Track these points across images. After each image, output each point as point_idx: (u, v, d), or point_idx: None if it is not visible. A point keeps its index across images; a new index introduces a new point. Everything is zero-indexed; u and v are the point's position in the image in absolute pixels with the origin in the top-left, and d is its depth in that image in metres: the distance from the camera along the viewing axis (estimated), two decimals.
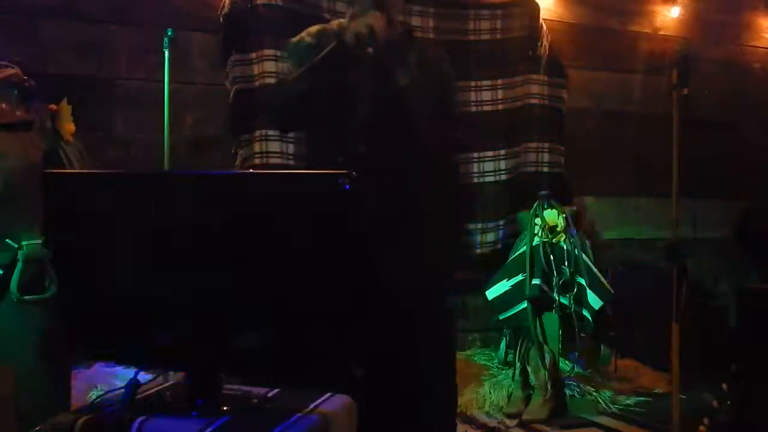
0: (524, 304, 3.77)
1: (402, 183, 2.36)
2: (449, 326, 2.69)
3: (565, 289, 3.74)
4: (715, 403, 3.15)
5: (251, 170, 3.43)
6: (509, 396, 3.85)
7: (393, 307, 2.30)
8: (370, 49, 2.28)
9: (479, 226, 4.21)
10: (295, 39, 2.46)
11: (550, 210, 3.89)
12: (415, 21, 4.09)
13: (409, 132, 2.37)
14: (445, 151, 2.55)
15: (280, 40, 3.68)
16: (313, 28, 2.46)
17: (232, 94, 3.68)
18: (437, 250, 2.48)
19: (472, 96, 4.22)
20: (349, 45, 2.24)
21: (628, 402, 3.94)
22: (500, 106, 4.29)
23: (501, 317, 3.91)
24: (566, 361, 3.95)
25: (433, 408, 2.50)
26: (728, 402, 3.14)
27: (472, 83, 4.22)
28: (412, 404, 2.43)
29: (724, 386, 3.16)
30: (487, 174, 4.25)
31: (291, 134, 3.66)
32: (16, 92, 2.59)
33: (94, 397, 2.85)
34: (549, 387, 3.78)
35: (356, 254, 1.46)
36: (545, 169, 4.43)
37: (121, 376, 3.08)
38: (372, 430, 1.79)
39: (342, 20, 2.47)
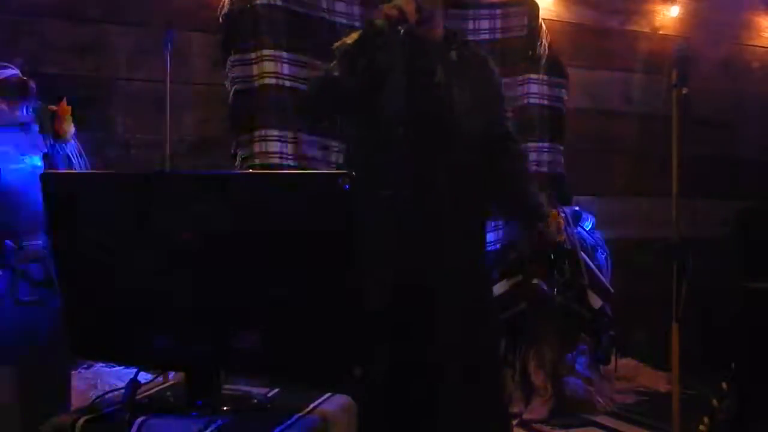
0: (524, 304, 3.77)
1: (439, 177, 2.37)
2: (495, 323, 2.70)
3: (565, 288, 3.74)
4: (715, 402, 3.15)
5: (251, 170, 3.43)
6: (509, 396, 3.85)
7: (438, 303, 2.33)
8: (400, 29, 2.31)
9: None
10: (337, 43, 2.43)
11: (549, 210, 3.89)
12: None
13: (451, 121, 2.38)
14: (498, 145, 2.53)
15: (279, 40, 3.68)
16: (355, 33, 2.44)
17: (231, 94, 3.68)
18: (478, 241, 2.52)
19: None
20: (379, 27, 2.26)
21: (628, 401, 3.95)
22: None
23: (501, 317, 3.91)
24: (566, 361, 3.95)
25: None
26: (728, 401, 3.14)
27: None
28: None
29: (724, 385, 3.16)
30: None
31: (291, 134, 3.67)
32: (16, 93, 2.59)
33: (94, 397, 2.85)
34: (549, 387, 3.78)
35: (356, 254, 1.46)
36: (545, 169, 4.42)
37: (121, 376, 3.09)
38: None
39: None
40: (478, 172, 2.43)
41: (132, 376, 1.55)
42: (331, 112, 2.65)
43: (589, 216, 4.17)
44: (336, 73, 2.32)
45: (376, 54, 2.30)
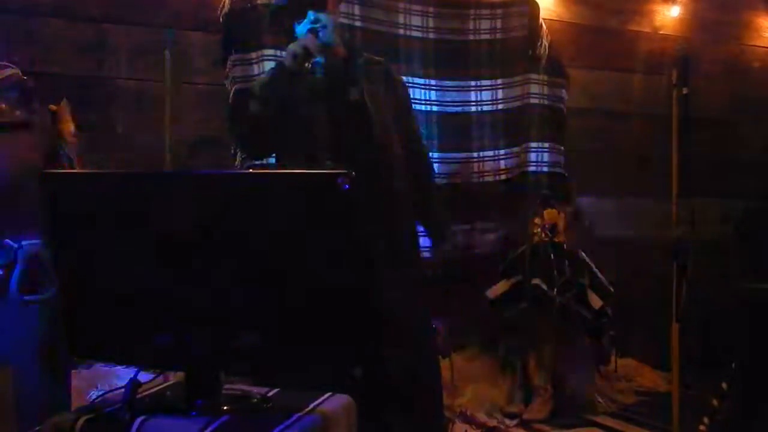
0: (524, 304, 3.77)
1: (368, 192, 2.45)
2: (425, 325, 2.77)
3: (565, 288, 3.74)
4: (715, 402, 3.15)
5: (251, 170, 3.43)
6: (509, 396, 3.85)
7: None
8: (307, 65, 2.48)
9: (479, 226, 4.21)
10: (254, 83, 2.79)
11: (550, 210, 3.89)
12: (415, 21, 4.09)
13: (366, 133, 2.56)
14: (409, 160, 2.71)
15: (280, 40, 3.68)
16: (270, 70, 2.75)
17: (231, 94, 3.68)
18: (405, 244, 2.65)
19: (472, 96, 4.22)
20: (288, 65, 2.49)
21: (629, 401, 3.95)
22: (500, 106, 4.29)
23: (501, 317, 3.91)
24: (566, 361, 3.95)
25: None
26: (728, 401, 3.14)
27: (472, 83, 4.22)
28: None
29: (724, 385, 3.16)
30: (486, 174, 4.25)
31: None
32: (15, 92, 2.59)
33: (94, 397, 2.85)
34: (549, 386, 3.78)
35: (356, 254, 1.46)
36: (545, 169, 4.43)
37: (121, 375, 3.09)
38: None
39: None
40: (403, 186, 2.64)
41: (132, 376, 1.55)
42: (266, 151, 2.86)
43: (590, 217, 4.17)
44: (254, 113, 2.52)
45: (289, 91, 2.50)
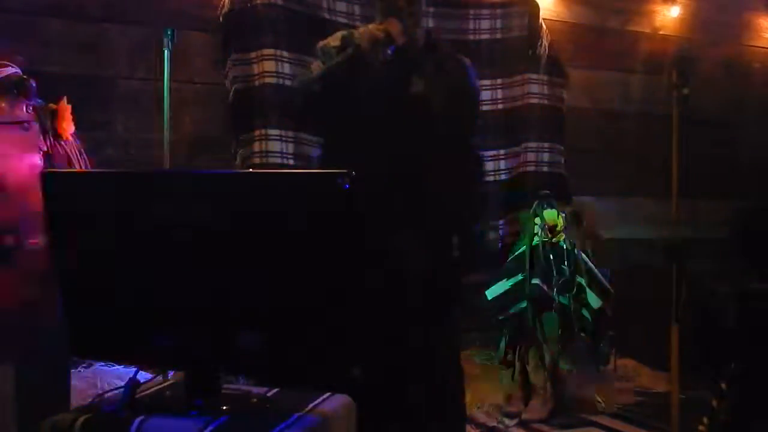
0: (524, 304, 3.77)
1: (417, 185, 2.43)
2: (455, 327, 2.73)
3: (564, 288, 3.74)
4: (714, 402, 3.15)
5: (251, 170, 3.43)
6: (509, 396, 3.85)
7: (406, 304, 2.37)
8: (388, 52, 2.33)
9: (479, 225, 4.21)
10: (322, 42, 2.51)
11: (549, 210, 3.89)
12: None
13: (423, 136, 2.43)
14: (462, 156, 2.61)
15: (279, 40, 3.68)
16: (339, 33, 2.52)
17: (231, 93, 3.68)
18: (452, 253, 2.55)
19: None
20: (365, 50, 2.32)
21: (628, 401, 3.95)
22: (500, 106, 4.29)
23: (501, 317, 3.91)
24: (566, 361, 3.95)
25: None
26: (728, 401, 3.14)
27: None
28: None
29: (724, 386, 3.16)
30: (486, 174, 4.25)
31: (291, 133, 3.67)
32: (15, 91, 2.59)
33: (93, 396, 2.85)
34: (548, 386, 3.78)
35: (355, 254, 1.46)
36: (545, 169, 4.42)
37: (120, 375, 3.09)
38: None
39: (369, 25, 2.51)
40: (451, 181, 2.51)
41: (131, 376, 1.55)
42: (317, 125, 2.79)
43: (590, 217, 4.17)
44: (315, 87, 2.40)
45: (359, 75, 2.36)
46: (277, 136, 3.65)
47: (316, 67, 2.47)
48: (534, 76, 4.37)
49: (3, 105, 2.55)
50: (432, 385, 2.50)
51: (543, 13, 4.40)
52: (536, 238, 3.83)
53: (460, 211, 2.62)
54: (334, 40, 2.47)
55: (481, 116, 2.90)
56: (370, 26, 2.38)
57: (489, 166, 4.26)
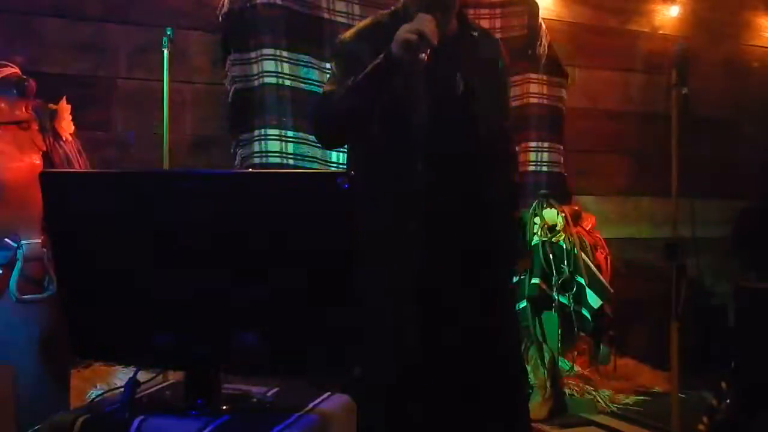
0: (523, 303, 3.77)
1: (463, 185, 2.26)
2: (515, 323, 2.62)
3: (564, 288, 3.74)
4: (714, 401, 3.15)
5: (250, 170, 3.43)
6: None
7: (460, 300, 2.25)
8: (423, 56, 2.01)
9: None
10: (340, 38, 2.33)
11: (549, 209, 3.89)
12: None
13: (470, 139, 2.24)
14: (501, 144, 2.41)
15: (279, 39, 3.68)
16: (364, 24, 2.30)
17: (231, 93, 3.68)
18: (500, 249, 2.38)
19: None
20: (397, 56, 2.02)
21: (628, 401, 3.95)
22: None
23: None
24: (565, 360, 3.96)
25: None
26: (727, 401, 3.14)
27: None
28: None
29: (724, 385, 3.16)
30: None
31: (290, 133, 3.67)
32: (15, 91, 2.59)
33: (93, 396, 2.85)
34: (548, 386, 3.78)
35: (355, 254, 1.46)
36: (544, 169, 4.42)
37: (120, 375, 3.09)
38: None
39: (396, 8, 2.27)
40: (490, 186, 2.31)
41: (131, 376, 1.55)
42: (341, 142, 2.50)
43: (589, 216, 4.17)
44: (346, 104, 2.12)
45: (394, 84, 2.08)
46: (276, 135, 3.65)
47: (338, 74, 2.23)
48: (533, 75, 4.37)
49: (3, 105, 2.55)
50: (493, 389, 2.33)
51: (542, 13, 4.40)
52: (536, 238, 3.84)
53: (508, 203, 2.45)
54: (349, 36, 2.27)
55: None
56: (403, 27, 2.04)
57: None
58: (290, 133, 3.67)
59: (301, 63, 3.73)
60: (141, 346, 1.56)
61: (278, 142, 3.67)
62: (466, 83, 2.21)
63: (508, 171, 2.47)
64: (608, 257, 4.06)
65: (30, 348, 2.43)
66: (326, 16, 3.81)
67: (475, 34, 2.35)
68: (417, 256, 2.19)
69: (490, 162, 2.30)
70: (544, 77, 4.40)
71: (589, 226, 4.10)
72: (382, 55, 2.05)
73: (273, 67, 3.64)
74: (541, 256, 3.76)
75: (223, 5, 3.67)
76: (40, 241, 2.45)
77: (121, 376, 3.06)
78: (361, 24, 2.37)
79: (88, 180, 1.70)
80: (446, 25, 2.15)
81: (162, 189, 1.56)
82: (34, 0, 3.44)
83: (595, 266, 3.88)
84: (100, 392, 2.56)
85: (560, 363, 3.88)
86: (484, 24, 4.25)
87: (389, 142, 2.18)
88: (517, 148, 2.75)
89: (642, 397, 4.01)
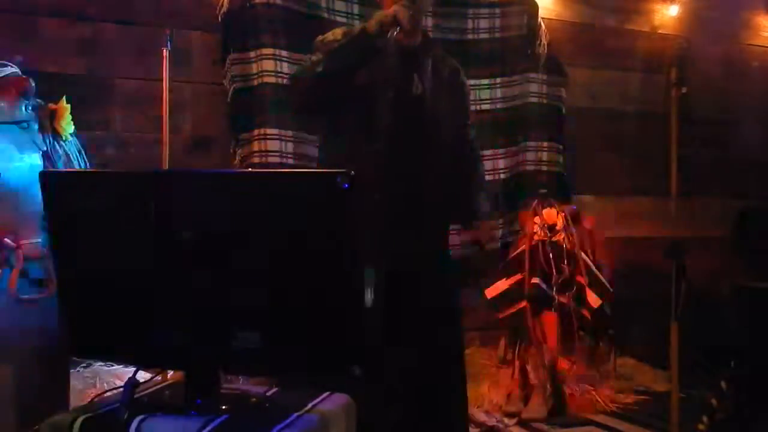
0: (523, 303, 3.77)
1: (418, 178, 2.49)
2: (457, 324, 2.73)
3: (564, 288, 3.74)
4: (714, 401, 3.16)
5: (250, 169, 3.43)
6: (508, 395, 3.85)
7: (404, 301, 2.42)
8: (393, 33, 2.35)
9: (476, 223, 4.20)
10: (321, 37, 2.55)
11: (549, 209, 3.89)
12: None
13: (425, 129, 2.49)
14: (460, 150, 2.69)
15: (278, 39, 3.68)
16: (339, 30, 2.58)
17: (230, 93, 3.68)
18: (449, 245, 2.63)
19: (471, 95, 4.21)
20: (371, 31, 2.37)
21: (627, 401, 3.95)
22: (499, 105, 4.29)
23: (500, 316, 3.91)
24: (565, 360, 3.95)
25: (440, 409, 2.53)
26: (727, 400, 3.15)
27: (471, 82, 4.19)
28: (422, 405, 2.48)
29: (723, 385, 3.16)
30: (485, 173, 4.24)
31: (290, 133, 3.67)
32: (15, 91, 2.59)
33: (92, 396, 2.85)
34: (548, 386, 3.78)
35: (355, 254, 1.46)
36: (544, 168, 4.42)
37: (120, 375, 3.09)
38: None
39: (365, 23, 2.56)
40: (445, 178, 2.58)
41: (131, 375, 1.54)
42: (321, 109, 2.66)
43: (589, 216, 4.17)
44: (321, 71, 2.39)
45: (363, 59, 2.39)
46: (276, 135, 3.65)
47: (316, 57, 2.49)
48: (533, 75, 4.37)
49: (3, 105, 2.55)
50: (432, 378, 2.53)
51: (542, 12, 4.40)
52: (535, 237, 3.84)
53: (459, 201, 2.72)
54: (332, 35, 2.51)
55: (473, 116, 2.94)
56: (380, 12, 2.44)
57: (488, 165, 4.26)
58: (290, 133, 3.67)
59: (301, 63, 3.73)
60: (141, 346, 1.56)
61: (278, 141, 3.67)
62: (423, 85, 2.50)
63: (462, 180, 2.72)
64: (608, 257, 4.06)
65: (30, 348, 2.43)
66: (326, 15, 3.81)
67: (438, 52, 2.66)
68: (382, 226, 2.36)
69: (438, 166, 2.54)
70: (544, 77, 4.40)
71: (589, 226, 4.09)
72: (357, 30, 2.41)
73: (272, 66, 3.64)
74: (541, 255, 3.75)
75: (223, 5, 3.67)
76: (39, 240, 2.45)
77: (120, 375, 3.07)
78: (336, 30, 2.59)
79: (88, 180, 1.70)
80: (415, 22, 2.43)
81: (161, 188, 1.56)
82: (34, 0, 3.44)
83: (595, 266, 3.88)
84: (99, 392, 2.55)
85: (560, 363, 3.88)
86: (484, 24, 4.26)
87: (355, 122, 2.46)
88: (480, 153, 3.00)
89: (642, 397, 4.01)
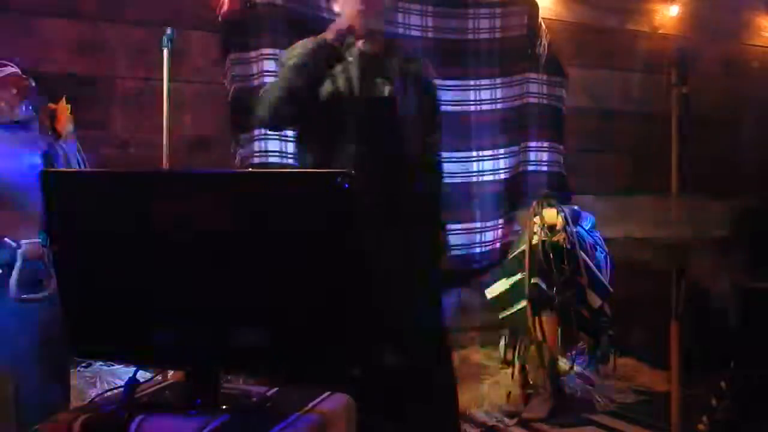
0: (523, 303, 3.77)
1: (387, 181, 2.51)
2: (438, 324, 2.77)
3: (564, 288, 3.73)
4: (714, 401, 3.15)
5: (250, 169, 3.43)
6: (508, 395, 3.85)
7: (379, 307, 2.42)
8: (348, 41, 2.49)
9: (478, 225, 4.21)
10: (286, 51, 2.65)
11: (549, 209, 3.89)
12: (414, 20, 4.09)
13: (391, 132, 2.56)
14: (426, 152, 2.74)
15: (279, 39, 3.68)
16: (302, 42, 2.64)
17: (231, 92, 3.68)
18: (421, 248, 2.63)
19: (471, 95, 4.22)
20: (330, 42, 2.49)
21: (628, 400, 3.95)
22: (499, 105, 4.29)
23: (500, 316, 3.91)
24: (565, 360, 3.95)
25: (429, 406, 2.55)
26: (727, 400, 3.14)
27: (471, 82, 4.22)
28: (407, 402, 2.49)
29: (723, 385, 3.16)
30: (486, 173, 4.25)
31: (290, 133, 3.67)
32: (15, 91, 2.59)
33: (93, 395, 2.85)
34: (548, 386, 3.78)
35: (355, 253, 1.46)
36: (544, 168, 4.43)
37: (120, 374, 3.09)
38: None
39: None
40: (410, 179, 2.63)
41: (131, 375, 1.55)
42: (290, 122, 2.78)
43: (589, 215, 4.17)
44: (289, 84, 2.48)
45: (326, 68, 2.50)
46: (276, 135, 3.65)
47: (281, 72, 2.60)
48: (533, 75, 4.38)
49: (3, 105, 2.55)
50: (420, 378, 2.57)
51: (542, 12, 4.40)
52: (535, 237, 3.83)
53: (428, 209, 2.74)
54: (295, 49, 2.59)
55: (442, 115, 2.98)
56: (335, 22, 2.56)
57: (488, 165, 4.27)
58: (290, 133, 3.67)
59: None
60: (141, 345, 1.56)
61: (278, 141, 3.67)
62: (390, 87, 2.57)
63: (429, 181, 2.75)
64: (608, 257, 4.06)
65: (30, 348, 2.42)
66: (326, 15, 3.81)
67: (402, 55, 2.71)
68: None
69: (406, 167, 2.59)
70: (544, 77, 4.41)
71: (589, 226, 4.09)
72: (315, 40, 2.52)
73: (273, 66, 3.63)
74: (541, 255, 3.75)
75: (223, 5, 3.67)
76: (39, 240, 2.45)
77: (121, 375, 3.07)
78: (300, 42, 2.65)
79: (88, 180, 1.70)
80: (374, 29, 2.55)
81: (161, 188, 1.56)
82: (34, 0, 3.44)
83: (595, 266, 3.87)
84: (100, 392, 2.56)
85: (560, 363, 3.88)
86: (484, 24, 4.26)
87: (327, 124, 2.54)
88: (439, 156, 2.95)
89: (642, 397, 4.01)
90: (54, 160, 2.59)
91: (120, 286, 1.55)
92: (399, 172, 2.55)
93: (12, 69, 2.64)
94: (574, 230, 3.89)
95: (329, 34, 2.49)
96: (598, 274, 3.86)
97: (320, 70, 2.49)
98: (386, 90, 2.55)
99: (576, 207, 4.12)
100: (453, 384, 2.81)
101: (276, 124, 2.81)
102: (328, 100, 2.51)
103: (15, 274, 2.43)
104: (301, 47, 2.56)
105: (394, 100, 2.55)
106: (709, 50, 4.77)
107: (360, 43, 2.56)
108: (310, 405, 1.59)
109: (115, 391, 1.61)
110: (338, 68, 2.52)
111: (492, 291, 3.91)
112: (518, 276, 3.82)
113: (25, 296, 2.43)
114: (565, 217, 3.87)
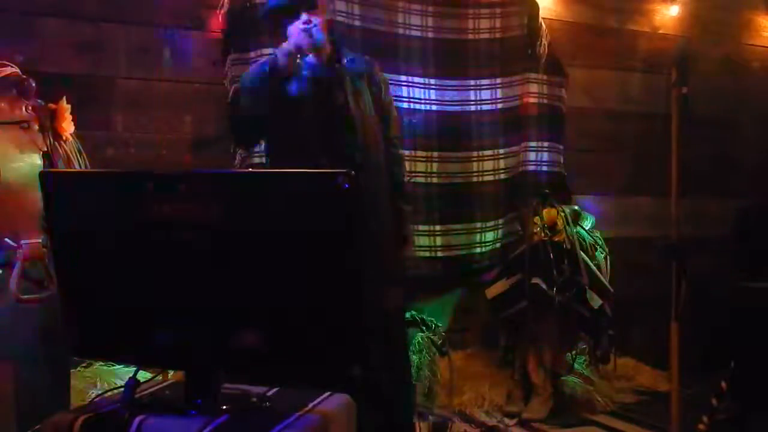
0: (523, 303, 3.77)
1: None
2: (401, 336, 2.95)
3: (564, 288, 3.73)
4: (714, 401, 3.15)
5: (250, 170, 3.43)
6: (508, 395, 3.85)
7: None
8: (298, 61, 2.65)
9: (478, 225, 4.21)
10: (243, 74, 2.82)
11: (549, 209, 3.89)
12: (415, 20, 4.09)
13: (352, 136, 2.68)
14: (389, 147, 2.88)
15: (278, 39, 3.67)
16: (254, 66, 2.85)
17: (231, 93, 3.67)
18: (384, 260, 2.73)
19: (471, 95, 4.22)
20: (280, 63, 2.64)
21: (627, 400, 3.95)
22: (499, 105, 4.29)
23: (500, 316, 3.91)
24: (565, 360, 3.96)
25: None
26: (728, 401, 3.14)
27: (471, 82, 4.22)
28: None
29: (723, 385, 3.16)
30: (486, 173, 4.25)
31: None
32: (15, 91, 2.59)
33: (93, 396, 2.85)
34: (548, 386, 3.78)
35: (355, 253, 1.46)
36: (544, 168, 4.43)
37: (120, 374, 3.09)
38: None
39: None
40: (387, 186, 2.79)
41: (131, 375, 1.55)
42: (255, 141, 2.99)
43: (589, 215, 4.17)
44: (248, 110, 2.65)
45: (279, 87, 2.63)
46: None
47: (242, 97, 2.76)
48: (533, 75, 4.38)
49: (3, 105, 2.55)
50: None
51: (542, 13, 4.40)
52: (535, 238, 3.84)
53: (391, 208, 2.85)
54: (247, 75, 2.79)
55: (396, 108, 3.16)
56: (283, 45, 2.69)
57: (488, 165, 4.26)
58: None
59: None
60: (141, 345, 1.56)
61: None
62: (345, 96, 2.70)
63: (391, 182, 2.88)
64: (608, 257, 4.06)
65: (30, 348, 2.42)
66: (326, 16, 3.81)
67: (348, 57, 2.81)
68: None
69: (370, 171, 2.68)
70: (544, 77, 4.40)
71: (589, 226, 4.09)
72: (267, 61, 2.69)
73: None
74: (542, 255, 3.75)
75: (223, 5, 3.67)
76: (40, 240, 2.45)
77: (121, 375, 3.07)
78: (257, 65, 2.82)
79: (88, 180, 1.70)
80: (318, 45, 2.67)
81: (161, 189, 1.56)
82: (34, 0, 3.44)
83: (595, 266, 3.87)
84: (100, 392, 2.55)
85: (560, 363, 3.88)
86: (484, 24, 4.26)
87: (290, 140, 2.69)
88: (401, 152, 3.07)
89: (642, 397, 4.01)
90: (54, 160, 2.59)
91: (120, 286, 1.55)
92: (366, 173, 2.63)
93: (12, 69, 2.64)
94: (574, 230, 3.89)
95: (280, 56, 2.64)
96: (598, 274, 3.86)
97: (274, 92, 2.63)
98: (340, 98, 2.68)
99: (576, 207, 4.13)
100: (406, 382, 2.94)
101: (244, 143, 3.04)
102: (287, 117, 2.65)
103: (15, 274, 2.43)
104: (254, 72, 2.73)
105: (348, 106, 2.68)
106: (709, 50, 4.77)
107: (309, 58, 2.69)
108: (310, 405, 1.59)
109: (115, 391, 1.61)
110: (293, 86, 2.66)
111: (492, 291, 3.90)
112: (518, 276, 3.82)
113: (25, 296, 2.43)
114: (565, 217, 3.87)
